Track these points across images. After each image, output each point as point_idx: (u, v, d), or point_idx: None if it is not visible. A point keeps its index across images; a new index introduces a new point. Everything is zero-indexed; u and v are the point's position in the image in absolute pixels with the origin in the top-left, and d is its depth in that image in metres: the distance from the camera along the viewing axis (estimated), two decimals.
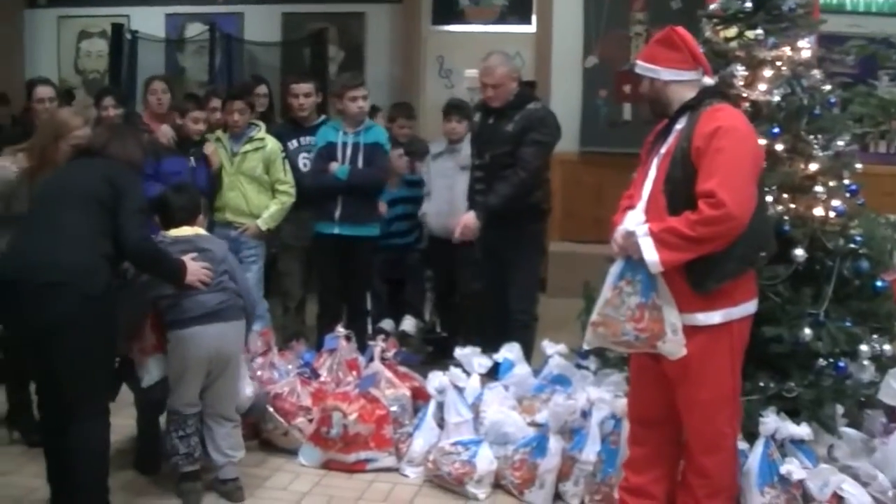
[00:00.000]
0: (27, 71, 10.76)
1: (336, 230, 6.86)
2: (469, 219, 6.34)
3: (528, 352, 6.16)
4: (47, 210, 4.53)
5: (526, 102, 6.46)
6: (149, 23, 10.69)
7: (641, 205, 4.25)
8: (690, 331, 4.14)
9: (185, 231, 5.06)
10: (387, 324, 7.30)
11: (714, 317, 4.16)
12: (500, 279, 6.57)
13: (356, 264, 7.00)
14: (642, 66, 4.37)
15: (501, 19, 9.99)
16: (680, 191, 4.13)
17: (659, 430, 4.44)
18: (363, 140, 6.89)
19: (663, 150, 4.27)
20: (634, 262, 4.14)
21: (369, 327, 7.16)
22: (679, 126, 4.26)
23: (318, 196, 6.93)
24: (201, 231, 5.20)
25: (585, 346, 4.76)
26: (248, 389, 5.37)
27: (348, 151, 6.85)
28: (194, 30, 10.67)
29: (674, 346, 4.12)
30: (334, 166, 6.80)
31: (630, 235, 4.13)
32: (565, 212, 9.08)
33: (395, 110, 8.17)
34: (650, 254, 4.06)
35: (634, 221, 4.17)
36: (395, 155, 7.41)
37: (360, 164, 6.85)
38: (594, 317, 4.28)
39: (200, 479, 5.06)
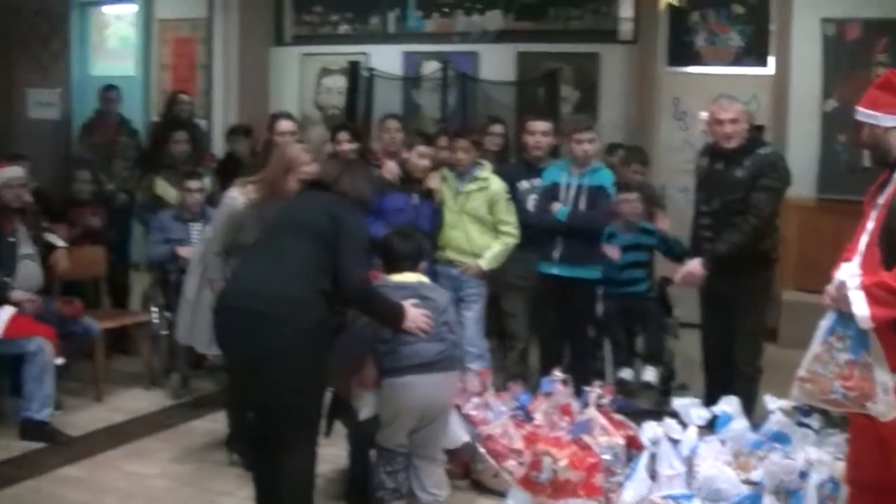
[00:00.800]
0: (272, 105, 11.12)
1: (555, 270, 6.87)
2: (695, 266, 6.20)
3: (750, 405, 5.96)
4: (272, 241, 4.65)
5: (756, 146, 6.27)
6: (387, 61, 10.92)
7: (857, 258, 4.08)
8: None
9: (408, 277, 5.09)
10: (626, 373, 7.11)
11: None
12: (725, 329, 6.40)
13: (576, 306, 6.96)
14: (862, 113, 4.20)
15: (737, 61, 9.75)
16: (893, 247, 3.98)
17: (876, 495, 4.20)
18: (588, 182, 6.85)
19: (881, 200, 4.10)
20: (846, 316, 3.98)
21: (609, 375, 7.08)
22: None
23: (539, 235, 6.93)
24: (424, 279, 5.23)
25: (792, 403, 4.60)
26: (464, 435, 5.38)
27: (571, 193, 6.84)
28: (430, 68, 10.83)
29: (885, 407, 3.94)
30: (556, 207, 6.79)
31: (842, 287, 3.97)
32: (801, 260, 8.78)
33: (630, 155, 8.08)
34: (860, 308, 3.90)
35: (848, 274, 4.00)
36: (630, 199, 7.30)
37: (581, 206, 6.81)
38: (802, 372, 4.15)
39: None
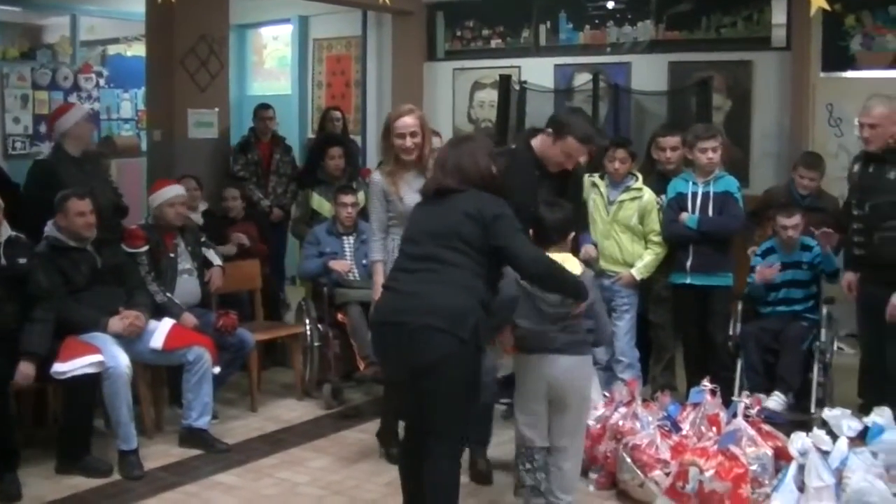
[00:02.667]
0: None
1: (688, 280, 6.96)
2: None
3: None
4: (421, 251, 4.64)
5: None
6: (539, 73, 10.94)
7: None
8: None
9: (555, 256, 4.98)
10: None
11: None
12: (878, 337, 6.28)
13: (712, 314, 6.99)
14: None
15: (894, 64, 9.51)
16: None
17: None
18: (713, 189, 6.90)
19: None
20: None
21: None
22: None
23: (671, 246, 7.02)
24: (570, 258, 5.16)
25: None
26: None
27: (698, 201, 6.87)
28: (582, 79, 10.81)
29: None
30: (685, 216, 6.80)
31: None
32: None
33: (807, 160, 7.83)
34: None
35: None
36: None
37: (710, 212, 6.85)
38: None
39: None
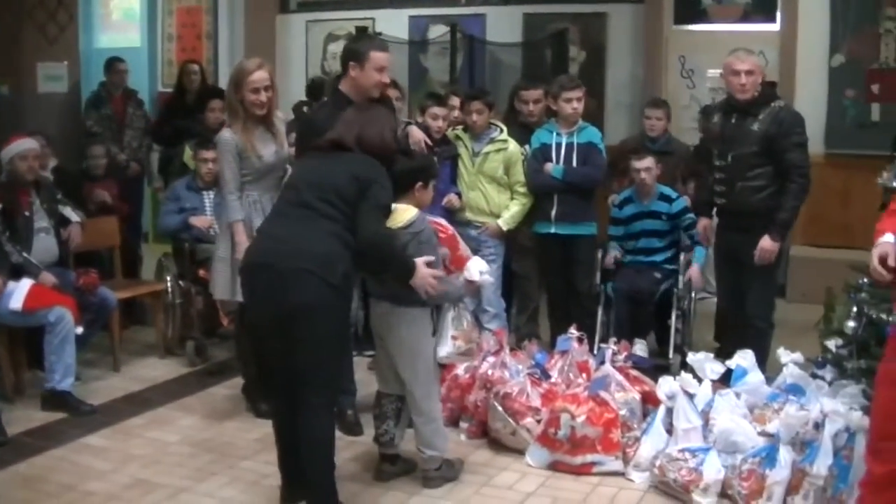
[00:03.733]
0: (278, 72, 11.11)
1: (553, 230, 7.07)
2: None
3: (764, 359, 6.03)
4: (298, 200, 4.65)
5: (770, 100, 6.34)
6: (393, 25, 10.88)
7: None
8: None
9: (403, 212, 4.96)
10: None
11: None
12: (738, 284, 6.47)
13: (576, 263, 7.14)
14: None
15: (745, 18, 9.74)
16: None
17: None
18: (577, 140, 7.03)
19: None
20: None
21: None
22: None
23: (536, 197, 7.12)
24: (407, 208, 5.04)
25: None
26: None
27: (562, 151, 6.99)
28: (437, 31, 10.82)
29: None
30: (549, 167, 6.93)
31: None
32: (809, 216, 8.81)
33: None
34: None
35: None
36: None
37: (574, 163, 6.99)
38: None
39: (397, 463, 5.30)
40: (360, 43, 5.76)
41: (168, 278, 7.61)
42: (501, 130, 7.14)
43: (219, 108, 8.56)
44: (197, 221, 7.39)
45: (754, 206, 6.23)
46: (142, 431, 6.03)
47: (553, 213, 7.04)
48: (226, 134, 5.93)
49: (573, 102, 6.99)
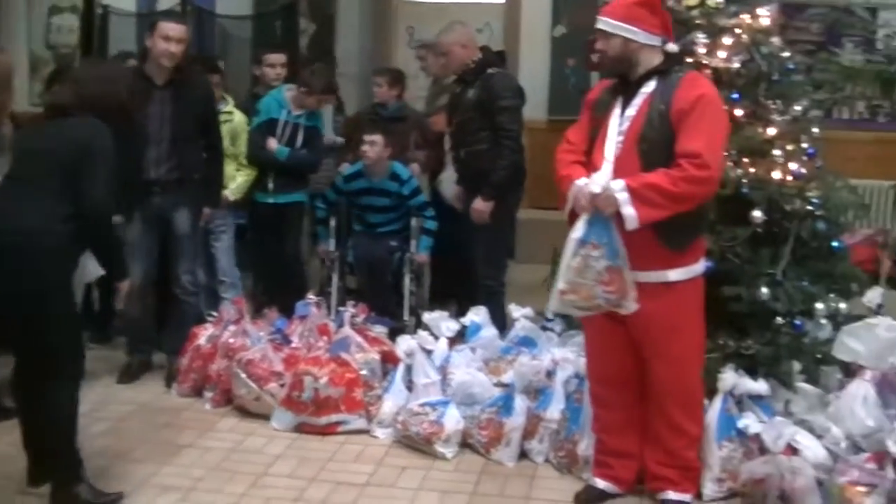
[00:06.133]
0: None
1: (271, 200, 7.19)
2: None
3: (500, 318, 6.27)
4: (14, 175, 4.46)
5: (486, 69, 6.59)
6: None
7: (608, 164, 4.33)
8: (663, 288, 4.32)
9: None
10: None
11: (684, 273, 4.36)
12: (472, 246, 6.69)
13: (289, 229, 7.31)
14: (617, 25, 4.38)
15: None
16: (656, 150, 4.27)
17: (626, 389, 4.59)
18: (304, 122, 7.14)
19: (631, 111, 4.37)
20: (598, 225, 4.24)
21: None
22: (647, 90, 4.37)
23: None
24: None
25: (549, 314, 4.90)
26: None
27: (288, 130, 7.11)
28: (167, 3, 10.64)
29: (631, 304, 4.27)
30: (273, 145, 7.01)
31: (605, 191, 4.20)
32: (534, 180, 9.12)
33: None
34: (628, 210, 4.16)
35: (602, 180, 4.25)
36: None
37: (298, 143, 7.13)
38: (561, 285, 4.33)
39: None
40: (157, 15, 5.82)
41: None
42: (228, 102, 7.14)
43: None
44: None
45: (480, 169, 6.46)
46: None
47: (271, 185, 7.15)
48: None
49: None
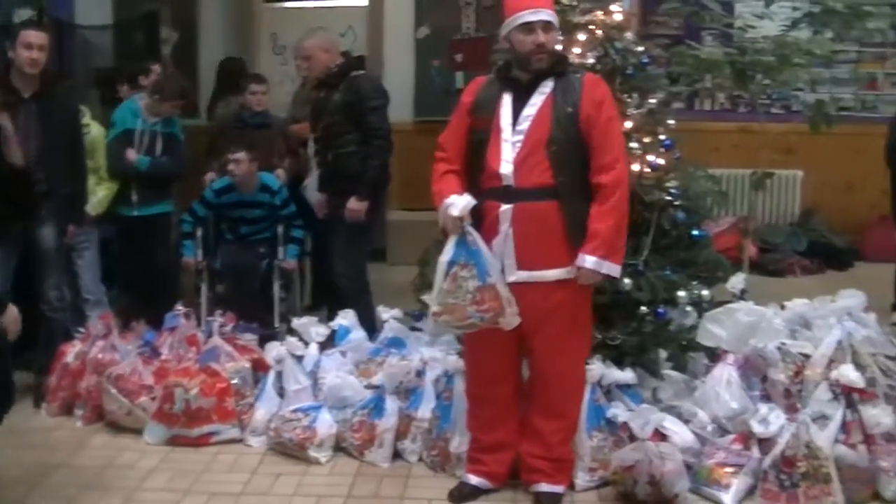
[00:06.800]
0: None
1: (136, 212, 7.06)
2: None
3: (369, 320, 6.22)
4: None
5: (349, 71, 6.59)
6: None
7: (507, 166, 4.38)
8: (562, 283, 4.41)
9: None
10: None
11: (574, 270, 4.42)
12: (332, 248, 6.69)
13: (157, 240, 7.21)
14: (553, 16, 4.50)
15: None
16: (567, 153, 4.35)
17: (505, 385, 4.64)
18: (161, 129, 7.04)
19: (529, 111, 4.41)
20: (466, 246, 4.32)
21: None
22: (546, 89, 4.43)
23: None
24: None
25: (429, 335, 5.00)
26: None
27: (146, 139, 7.00)
28: (25, 14, 10.41)
29: (511, 318, 4.34)
30: (133, 156, 6.91)
31: (593, 275, 4.37)
32: (403, 181, 9.18)
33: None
34: (613, 268, 4.38)
35: (463, 202, 4.35)
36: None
37: (157, 151, 7.02)
38: (434, 308, 4.40)
39: None
40: (17, 26, 5.73)
41: None
42: (84, 115, 7.01)
43: None
44: None
45: (349, 172, 6.46)
46: None
47: (135, 197, 7.01)
48: None
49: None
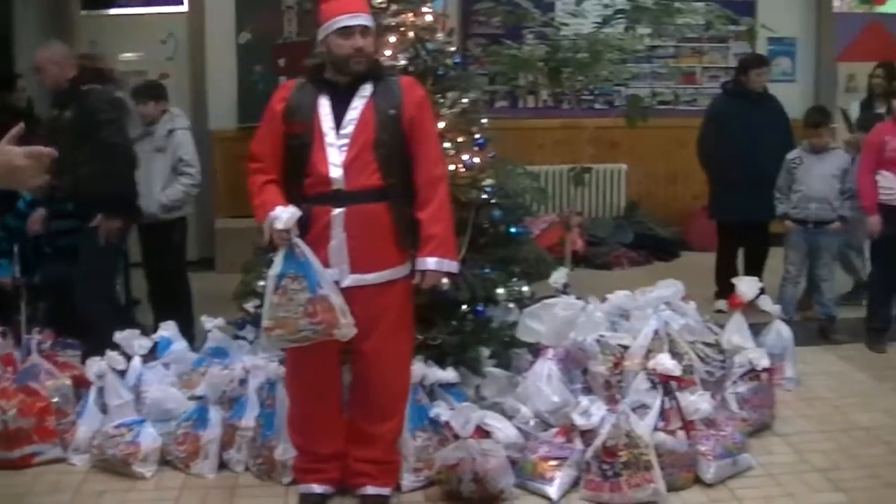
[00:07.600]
0: None
1: None
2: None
3: (189, 329, 6.22)
4: None
5: (80, 86, 6.23)
6: None
7: (337, 170, 4.37)
8: (391, 285, 4.47)
9: None
10: None
11: (408, 268, 4.50)
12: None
13: None
14: (371, 20, 4.52)
15: (152, 1, 9.88)
16: (394, 155, 4.40)
17: (330, 395, 4.65)
18: None
19: (352, 115, 4.42)
20: (294, 258, 4.30)
21: None
22: (366, 93, 4.45)
23: None
24: None
25: (263, 352, 4.99)
26: None
27: None
28: None
29: (347, 329, 4.35)
30: None
31: (437, 276, 4.45)
32: (228, 189, 9.13)
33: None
34: (452, 265, 4.46)
35: (287, 213, 4.32)
36: None
37: None
38: (266, 322, 4.37)
39: None
40: None
41: None
42: None
43: None
44: None
45: (91, 192, 6.10)
46: None
47: None
48: None
49: None
